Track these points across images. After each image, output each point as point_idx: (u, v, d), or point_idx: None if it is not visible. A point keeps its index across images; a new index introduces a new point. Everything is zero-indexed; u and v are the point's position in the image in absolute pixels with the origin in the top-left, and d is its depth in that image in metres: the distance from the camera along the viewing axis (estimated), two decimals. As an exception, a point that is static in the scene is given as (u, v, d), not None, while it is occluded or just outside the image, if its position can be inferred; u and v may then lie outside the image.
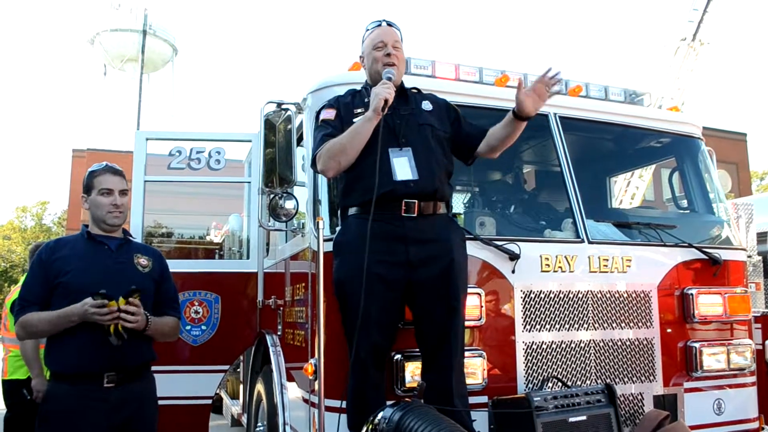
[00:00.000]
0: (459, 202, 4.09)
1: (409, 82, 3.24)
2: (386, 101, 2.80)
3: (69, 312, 2.75)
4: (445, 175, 3.02)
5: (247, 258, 5.08)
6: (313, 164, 3.03)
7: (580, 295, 3.42)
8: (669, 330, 3.62)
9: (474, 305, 3.12)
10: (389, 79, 2.92)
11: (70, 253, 2.96)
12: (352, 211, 2.97)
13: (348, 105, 3.07)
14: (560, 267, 3.40)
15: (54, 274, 2.87)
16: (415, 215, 2.86)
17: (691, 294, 3.65)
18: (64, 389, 2.82)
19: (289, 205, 3.47)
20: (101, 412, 2.79)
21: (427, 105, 3.10)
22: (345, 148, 2.86)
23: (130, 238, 3.17)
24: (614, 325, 3.47)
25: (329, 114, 3.06)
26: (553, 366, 3.32)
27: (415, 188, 2.87)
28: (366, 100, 3.01)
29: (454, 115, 3.15)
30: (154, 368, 3.19)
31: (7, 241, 62.00)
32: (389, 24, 3.14)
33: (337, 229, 3.11)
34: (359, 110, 3.00)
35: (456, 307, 2.85)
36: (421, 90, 3.21)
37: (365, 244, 2.75)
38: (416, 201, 2.86)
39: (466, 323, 3.00)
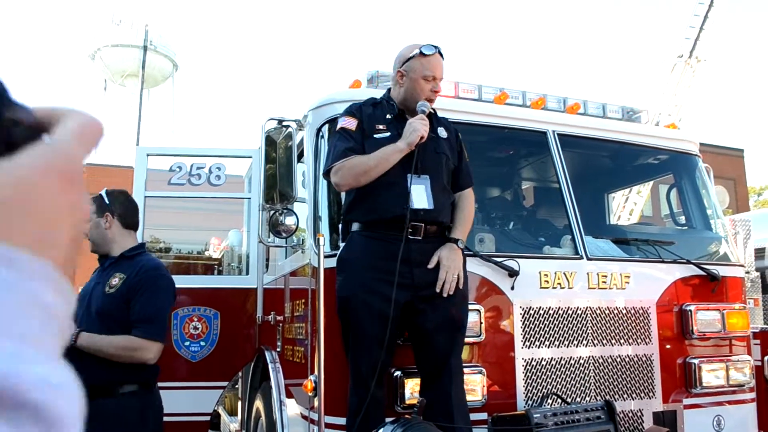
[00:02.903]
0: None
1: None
2: (422, 137, 2.84)
3: None
4: (448, 202, 3.08)
5: (247, 274, 5.09)
6: (327, 174, 3.01)
7: (579, 312, 3.43)
8: (668, 346, 3.62)
9: (473, 321, 3.13)
10: (422, 111, 2.94)
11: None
12: (355, 227, 2.98)
13: (371, 117, 3.04)
14: (559, 283, 3.41)
15: None
16: (420, 237, 2.90)
17: (690, 310, 3.66)
18: None
19: (290, 221, 3.49)
20: None
21: (442, 132, 3.11)
22: (369, 171, 2.87)
23: (129, 255, 3.18)
24: (613, 341, 3.48)
25: (350, 124, 3.01)
26: (553, 382, 3.32)
27: (425, 216, 2.92)
28: (388, 116, 3.04)
29: (460, 150, 3.18)
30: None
31: (5, 255, 61.91)
32: (440, 54, 3.08)
33: (340, 244, 3.12)
34: (381, 126, 3.00)
35: (456, 326, 2.88)
36: (436, 111, 3.18)
37: (369, 262, 2.84)
38: (423, 224, 2.92)
39: (466, 339, 3.01)
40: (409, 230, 2.88)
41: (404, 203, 2.85)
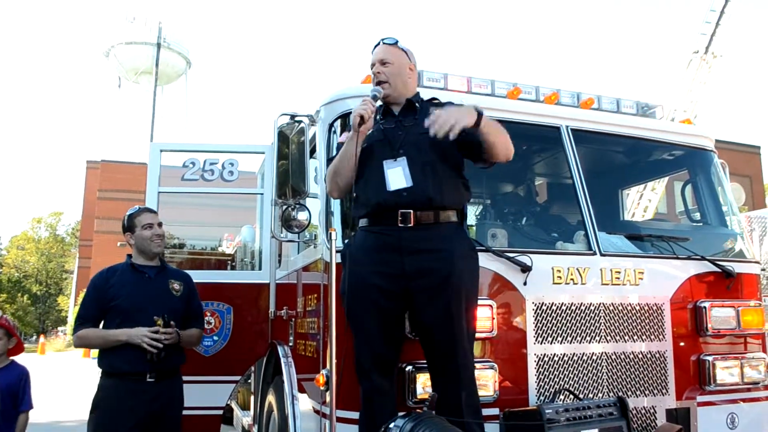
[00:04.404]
0: (471, 213, 4.10)
1: (422, 94, 3.26)
2: (362, 117, 2.87)
3: (119, 333, 3.58)
4: (449, 183, 2.95)
5: (260, 269, 5.10)
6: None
7: (592, 308, 3.41)
8: (682, 343, 3.60)
9: (486, 317, 3.12)
10: (374, 96, 3.01)
11: (120, 280, 3.74)
12: (361, 222, 3.03)
13: None
14: (572, 279, 3.40)
15: (108, 299, 3.67)
16: (411, 225, 2.86)
17: (704, 307, 3.63)
18: (114, 383, 3.62)
19: (302, 216, 3.50)
20: (142, 401, 3.57)
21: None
22: (338, 168, 3.01)
23: (166, 265, 3.91)
24: (626, 337, 3.46)
25: (343, 138, 3.15)
26: (565, 378, 3.31)
27: (408, 197, 2.87)
28: (378, 117, 3.11)
29: None
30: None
31: (21, 251, 62.53)
32: (384, 42, 3.17)
33: (347, 241, 3.15)
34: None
35: (456, 319, 2.80)
36: (441, 100, 3.18)
37: (364, 255, 2.90)
38: (411, 211, 2.86)
39: (478, 335, 3.00)
40: (399, 218, 2.86)
41: (384, 189, 2.90)
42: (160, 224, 3.87)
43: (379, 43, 3.18)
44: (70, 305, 44.61)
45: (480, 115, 2.79)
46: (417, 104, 3.12)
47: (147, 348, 3.52)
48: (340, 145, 3.15)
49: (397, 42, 3.17)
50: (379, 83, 3.08)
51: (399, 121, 3.07)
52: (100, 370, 3.72)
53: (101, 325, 3.71)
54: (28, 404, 4.11)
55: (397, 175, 2.91)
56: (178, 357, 3.80)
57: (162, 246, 3.86)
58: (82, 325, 3.69)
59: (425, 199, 2.88)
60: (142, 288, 3.72)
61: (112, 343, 3.59)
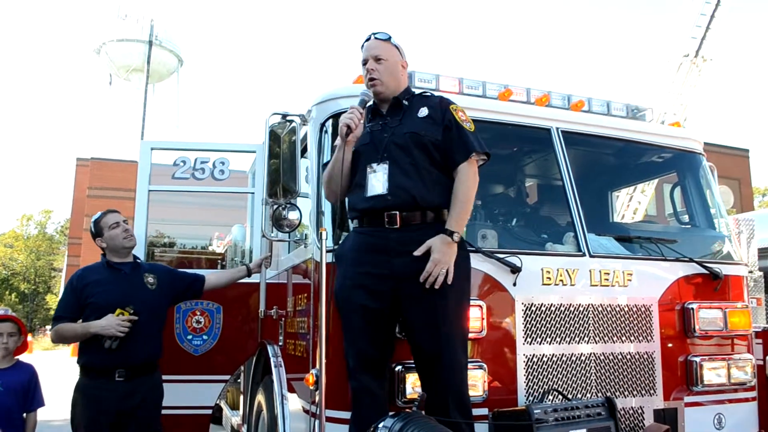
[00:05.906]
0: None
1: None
2: (348, 126, 2.91)
3: (87, 326, 3.64)
4: (436, 183, 2.92)
5: (250, 268, 5.08)
6: None
7: (581, 309, 3.43)
8: (669, 344, 3.63)
9: (475, 317, 3.13)
10: (362, 101, 3.02)
11: (96, 278, 3.82)
12: (353, 224, 3.06)
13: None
14: (561, 280, 3.42)
15: (85, 296, 3.74)
16: (398, 226, 2.87)
17: (692, 308, 3.66)
18: (87, 381, 3.70)
19: (293, 215, 3.51)
20: (112, 400, 3.61)
21: (423, 111, 3.01)
22: (330, 176, 3.05)
23: (139, 261, 4.02)
24: (615, 338, 3.48)
25: (338, 142, 3.10)
26: (554, 379, 3.33)
27: (392, 200, 2.88)
28: (367, 119, 3.13)
29: (447, 123, 2.98)
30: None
31: (8, 249, 62.11)
32: (376, 37, 3.11)
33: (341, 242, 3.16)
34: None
35: (444, 321, 2.80)
36: (432, 95, 3.15)
37: (354, 256, 2.92)
38: (397, 212, 2.87)
39: (468, 335, 3.00)
40: (386, 220, 2.87)
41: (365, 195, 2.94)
42: (125, 221, 3.96)
43: (369, 38, 3.12)
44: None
45: (455, 238, 2.78)
46: (405, 101, 3.08)
47: (117, 334, 3.57)
48: (334, 149, 3.13)
49: (390, 38, 3.12)
50: (372, 80, 3.04)
51: (385, 122, 3.06)
52: (78, 368, 3.77)
53: (79, 322, 3.72)
54: (41, 402, 4.13)
55: (376, 181, 2.93)
56: (150, 349, 3.79)
57: (133, 240, 3.93)
58: (60, 321, 3.75)
59: (410, 200, 2.88)
60: (118, 284, 3.79)
61: (84, 336, 3.66)
